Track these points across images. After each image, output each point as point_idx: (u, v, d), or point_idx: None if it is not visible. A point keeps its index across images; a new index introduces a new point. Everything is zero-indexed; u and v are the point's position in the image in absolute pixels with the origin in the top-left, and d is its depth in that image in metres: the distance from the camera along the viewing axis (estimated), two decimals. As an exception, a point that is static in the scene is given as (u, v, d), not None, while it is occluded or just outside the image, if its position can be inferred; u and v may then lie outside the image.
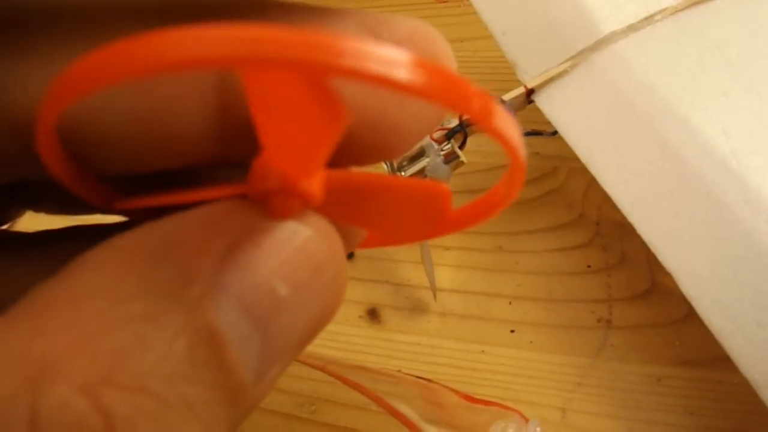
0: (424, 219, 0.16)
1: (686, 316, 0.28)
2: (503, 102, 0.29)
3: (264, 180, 0.12)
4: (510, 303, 0.30)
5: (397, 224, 0.16)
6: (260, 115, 0.11)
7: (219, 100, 0.13)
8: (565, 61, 0.30)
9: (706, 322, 0.24)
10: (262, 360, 0.12)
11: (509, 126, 0.11)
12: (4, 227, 0.17)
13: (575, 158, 0.28)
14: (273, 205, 0.12)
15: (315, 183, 0.12)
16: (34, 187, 0.17)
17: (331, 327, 0.30)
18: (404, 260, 0.31)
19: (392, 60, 0.09)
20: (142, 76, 0.09)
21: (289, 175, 0.12)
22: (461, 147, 0.29)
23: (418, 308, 0.30)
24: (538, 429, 0.25)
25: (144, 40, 0.09)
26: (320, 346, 0.30)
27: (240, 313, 0.11)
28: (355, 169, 0.14)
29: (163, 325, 0.10)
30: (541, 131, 0.31)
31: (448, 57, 0.13)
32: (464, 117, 0.29)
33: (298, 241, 0.12)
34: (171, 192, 0.13)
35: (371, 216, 0.15)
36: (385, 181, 0.14)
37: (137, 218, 0.15)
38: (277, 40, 0.08)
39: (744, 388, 0.26)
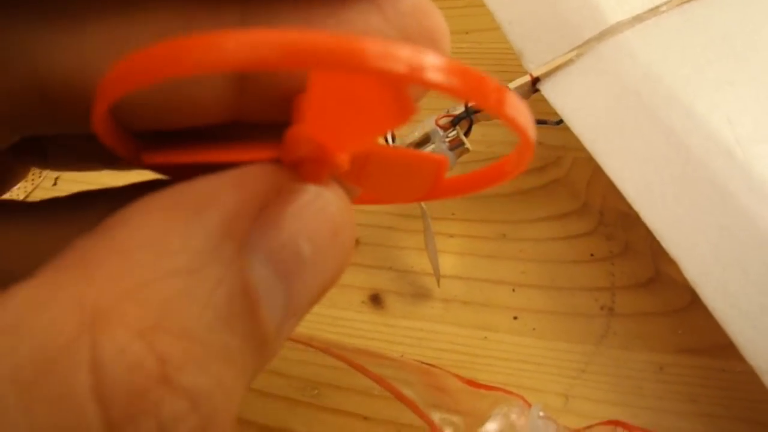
0: (419, 184, 0.17)
1: (689, 305, 0.28)
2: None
3: (299, 148, 0.13)
4: (513, 290, 0.30)
5: (394, 188, 0.17)
6: (315, 98, 0.12)
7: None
8: (571, 50, 0.30)
9: (710, 308, 0.24)
10: (283, 314, 0.13)
11: (522, 114, 0.12)
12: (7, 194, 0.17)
13: (579, 148, 0.28)
14: (303, 171, 0.13)
15: (346, 156, 0.13)
16: (45, 142, 0.17)
17: (333, 312, 0.30)
18: (407, 247, 0.31)
19: (432, 65, 0.10)
20: (210, 71, 0.10)
21: (326, 147, 0.13)
22: (466, 134, 0.30)
23: (421, 294, 0.30)
24: (541, 413, 0.25)
25: (211, 38, 0.09)
26: (323, 331, 0.30)
27: (269, 269, 0.12)
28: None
29: (205, 278, 0.11)
30: (546, 120, 0.31)
31: (443, 32, 0.14)
32: (470, 104, 0.29)
33: (320, 204, 0.13)
34: (197, 150, 0.14)
35: (372, 180, 0.16)
36: (387, 151, 0.16)
37: (161, 173, 0.16)
38: (344, 46, 0.09)
39: (746, 376, 0.26)
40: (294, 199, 0.13)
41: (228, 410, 0.12)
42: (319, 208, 0.13)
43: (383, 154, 0.15)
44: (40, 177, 0.39)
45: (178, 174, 0.14)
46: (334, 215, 0.13)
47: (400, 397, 0.25)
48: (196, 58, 0.10)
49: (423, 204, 0.29)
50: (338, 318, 0.30)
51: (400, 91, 0.11)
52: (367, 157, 0.15)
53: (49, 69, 0.13)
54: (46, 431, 0.10)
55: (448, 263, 0.31)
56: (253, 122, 0.15)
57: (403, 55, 0.10)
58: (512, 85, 0.30)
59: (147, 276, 0.11)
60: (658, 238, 0.25)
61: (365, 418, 0.28)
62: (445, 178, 0.17)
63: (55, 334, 0.10)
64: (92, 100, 0.12)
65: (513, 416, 0.25)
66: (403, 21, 0.14)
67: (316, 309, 0.31)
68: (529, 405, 0.25)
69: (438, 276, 0.30)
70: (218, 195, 0.12)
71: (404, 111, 0.12)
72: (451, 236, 0.31)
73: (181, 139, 0.16)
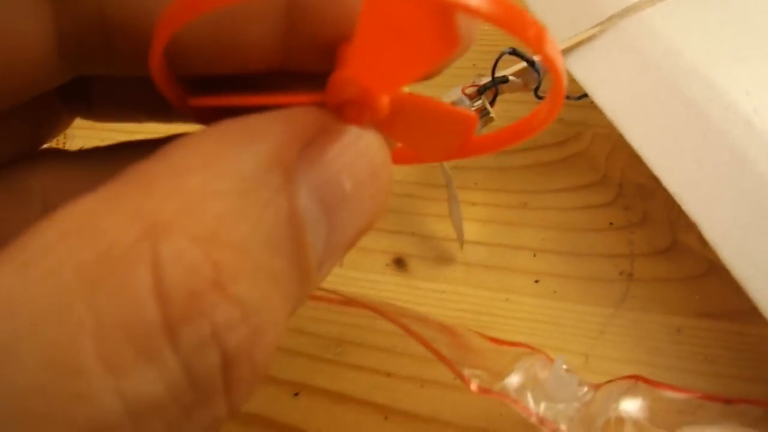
0: (449, 140, 0.18)
1: (706, 272, 0.29)
2: (533, 63, 0.30)
3: (343, 91, 0.14)
4: (534, 255, 0.30)
5: (425, 143, 0.18)
6: (365, 31, 0.13)
7: (286, 16, 0.15)
8: (594, 26, 0.31)
9: (730, 268, 0.25)
10: (325, 248, 0.13)
11: (557, 53, 0.13)
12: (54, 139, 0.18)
13: (599, 124, 0.29)
14: (346, 114, 0.14)
15: (386, 98, 0.14)
16: (93, 89, 0.18)
17: (356, 274, 0.31)
18: (430, 214, 0.32)
19: None
20: None
21: (369, 90, 0.14)
22: (492, 103, 0.30)
23: (443, 258, 0.31)
24: (565, 366, 0.25)
25: None
26: (347, 292, 0.30)
27: (314, 200, 0.13)
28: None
29: (254, 200, 0.12)
30: (568, 95, 0.32)
31: None
32: (496, 75, 0.30)
33: (362, 145, 0.14)
34: (242, 96, 0.15)
35: (405, 130, 0.17)
36: (423, 101, 0.16)
37: (205, 122, 0.17)
38: None
39: (762, 339, 0.27)
40: (337, 138, 0.13)
41: (276, 331, 0.12)
42: (361, 149, 0.14)
43: (417, 102, 0.16)
44: (64, 147, 0.39)
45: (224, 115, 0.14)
46: (373, 157, 0.14)
47: (429, 347, 0.26)
48: None
49: (448, 170, 0.30)
50: (362, 280, 0.31)
51: (446, 20, 0.12)
52: (402, 105, 0.15)
53: (115, 7, 0.14)
54: (109, 324, 0.10)
55: (470, 230, 0.31)
56: (297, 71, 0.16)
57: None
58: (537, 57, 0.30)
59: (201, 194, 0.12)
60: (680, 202, 0.26)
61: (388, 374, 0.28)
62: (474, 137, 0.18)
63: (118, 238, 0.11)
64: (150, 39, 0.13)
65: (536, 369, 0.26)
66: None
67: (339, 270, 0.32)
68: (552, 360, 0.26)
69: (461, 240, 0.31)
70: (268, 128, 0.13)
71: (449, 42, 0.12)
72: (474, 204, 0.32)
73: (226, 88, 0.17)
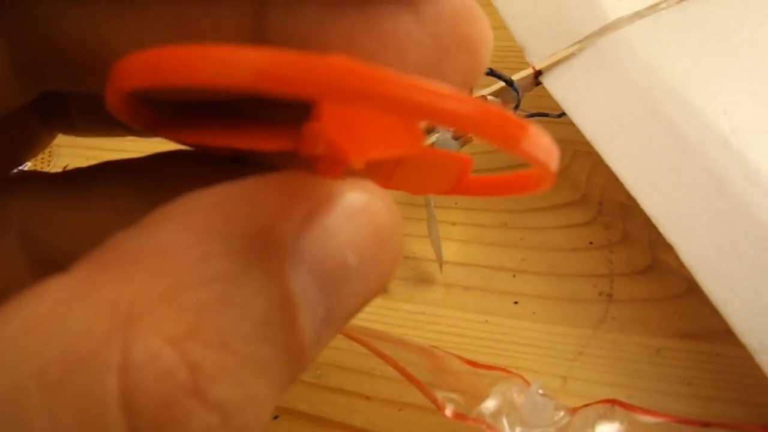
0: (443, 180, 0.17)
1: (685, 292, 0.29)
2: (512, 83, 0.30)
3: (313, 146, 0.13)
4: (514, 276, 0.30)
5: (418, 182, 0.17)
6: (332, 110, 0.12)
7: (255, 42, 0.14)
8: (573, 44, 0.31)
9: (706, 290, 0.25)
10: (323, 325, 0.12)
11: (550, 154, 0.11)
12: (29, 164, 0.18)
13: (580, 141, 0.29)
14: (318, 165, 0.13)
15: (362, 160, 0.13)
16: (69, 104, 0.17)
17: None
18: (410, 234, 0.32)
19: (472, 113, 0.10)
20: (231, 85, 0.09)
21: (342, 148, 0.12)
22: (470, 124, 0.30)
23: (423, 279, 0.31)
24: (540, 391, 0.25)
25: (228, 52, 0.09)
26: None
27: (312, 279, 0.12)
28: None
29: (244, 285, 0.11)
30: (547, 114, 0.32)
31: (482, 41, 0.14)
32: (473, 95, 0.30)
33: (370, 213, 0.12)
34: (213, 130, 0.14)
35: (396, 177, 0.16)
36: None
37: (182, 144, 0.16)
38: (349, 81, 0.09)
39: (740, 360, 0.27)
40: (341, 208, 0.12)
41: (259, 422, 0.11)
42: (368, 219, 0.12)
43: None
44: (49, 165, 0.39)
45: (199, 147, 0.14)
46: (382, 226, 0.13)
47: (403, 373, 0.26)
48: (214, 71, 0.09)
49: (427, 191, 0.30)
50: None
51: (413, 126, 0.11)
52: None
53: (65, 30, 0.14)
54: None
55: (450, 250, 0.31)
56: (271, 99, 0.16)
57: (413, 93, 0.09)
58: (515, 77, 0.30)
59: (185, 279, 0.11)
60: (656, 224, 0.26)
61: (367, 398, 0.28)
62: (469, 177, 0.17)
63: (86, 335, 0.10)
64: (106, 64, 0.12)
65: (512, 394, 0.26)
66: (440, 26, 0.13)
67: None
68: (528, 384, 0.26)
69: (441, 261, 0.31)
70: (263, 199, 0.12)
71: (413, 140, 0.12)
72: (454, 224, 0.32)
73: (198, 111, 0.16)
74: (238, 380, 0.11)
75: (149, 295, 0.10)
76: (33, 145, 0.18)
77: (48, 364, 0.10)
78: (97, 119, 0.18)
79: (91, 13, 0.14)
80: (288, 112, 0.14)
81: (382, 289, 0.13)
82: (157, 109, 0.15)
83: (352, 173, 0.13)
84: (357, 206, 0.12)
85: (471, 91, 0.15)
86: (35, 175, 0.18)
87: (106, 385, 0.10)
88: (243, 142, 0.13)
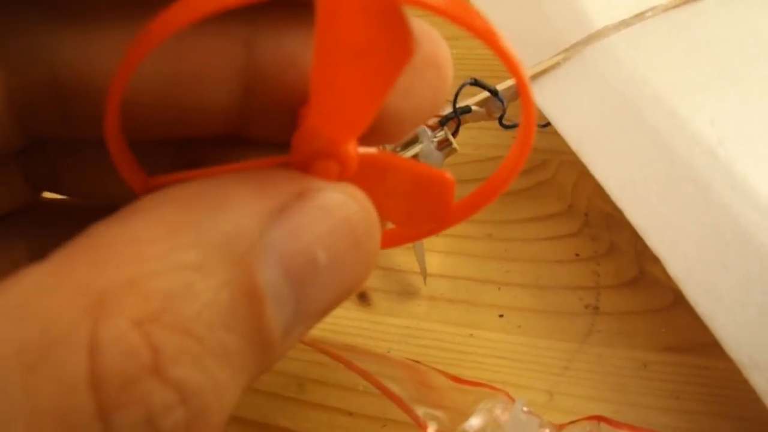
0: (430, 208, 0.17)
1: (672, 304, 0.29)
2: (496, 93, 0.30)
3: (308, 146, 0.13)
4: (499, 289, 0.30)
5: (407, 212, 0.17)
6: (320, 63, 0.12)
7: (243, 81, 0.15)
8: (558, 54, 0.30)
9: (693, 303, 0.24)
10: (292, 319, 0.13)
11: (510, 49, 0.12)
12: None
13: (566, 152, 0.29)
14: (314, 169, 0.13)
15: (352, 147, 0.14)
16: (55, 160, 0.17)
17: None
18: (394, 246, 0.32)
19: None
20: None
21: (334, 138, 0.13)
22: (454, 134, 0.30)
23: (407, 292, 0.30)
24: (525, 408, 0.25)
25: None
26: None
27: (280, 274, 0.12)
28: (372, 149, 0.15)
29: (211, 275, 0.11)
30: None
31: (448, 58, 0.15)
32: (457, 105, 0.30)
33: (343, 213, 0.13)
34: (205, 169, 0.14)
35: (386, 199, 0.16)
36: (397, 161, 0.16)
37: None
38: None
39: (727, 374, 0.27)
40: (315, 204, 0.13)
41: (220, 408, 0.12)
42: (342, 217, 0.13)
43: (389, 161, 0.16)
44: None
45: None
46: (357, 225, 0.13)
47: (385, 392, 0.25)
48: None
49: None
50: (324, 315, 0.30)
51: (398, 23, 0.11)
52: (374, 165, 0.15)
53: (62, 64, 0.14)
54: (45, 412, 0.10)
55: (434, 262, 0.31)
56: (255, 138, 0.16)
57: None
58: (500, 87, 0.30)
59: (154, 267, 0.11)
60: (643, 236, 0.26)
61: (350, 414, 0.28)
62: (453, 204, 0.17)
63: (59, 318, 0.11)
64: (102, 100, 0.13)
65: (497, 411, 0.25)
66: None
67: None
68: (513, 400, 0.25)
69: (425, 274, 0.30)
70: (236, 194, 0.12)
71: (405, 48, 0.12)
72: (438, 235, 0.31)
73: (180, 156, 0.17)
74: (199, 364, 0.11)
75: (119, 281, 0.11)
76: (12, 199, 0.18)
77: (25, 346, 0.10)
78: (80, 178, 0.18)
79: (87, 42, 0.14)
80: (266, 152, 0.15)
81: (355, 289, 0.14)
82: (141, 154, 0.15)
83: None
84: (331, 205, 0.13)
85: (439, 105, 0.16)
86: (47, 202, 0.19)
87: (77, 363, 0.10)
88: (230, 170, 0.14)
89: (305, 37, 0.14)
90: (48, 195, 0.19)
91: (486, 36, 0.12)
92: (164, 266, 0.11)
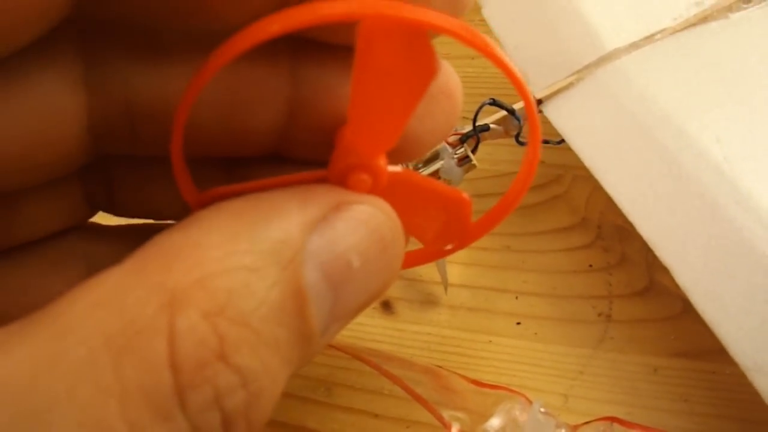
0: (449, 226, 0.19)
1: (682, 312, 0.30)
2: (513, 112, 0.32)
3: (346, 158, 0.15)
4: (516, 298, 0.32)
5: (429, 229, 0.19)
6: (357, 86, 0.14)
7: (287, 107, 0.17)
8: (572, 74, 0.32)
9: (700, 311, 0.26)
10: (329, 317, 0.14)
11: (505, 58, 0.15)
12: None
13: (579, 166, 0.30)
14: (349, 182, 0.15)
15: (383, 161, 0.16)
16: (114, 181, 0.19)
17: (347, 317, 0.32)
18: (417, 257, 0.33)
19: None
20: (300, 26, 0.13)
21: (366, 153, 0.15)
22: (473, 151, 0.32)
23: (429, 301, 0.32)
24: (542, 409, 0.26)
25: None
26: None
27: (320, 277, 0.14)
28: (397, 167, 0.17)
29: (263, 277, 0.13)
30: (548, 140, 0.33)
31: (459, 87, 0.17)
32: (477, 124, 0.31)
33: (373, 223, 0.15)
34: (251, 183, 0.16)
35: (410, 215, 0.17)
36: (418, 180, 0.18)
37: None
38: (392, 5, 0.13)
39: (735, 378, 0.28)
40: (349, 217, 0.15)
41: (272, 392, 0.14)
42: (373, 227, 0.15)
43: (413, 179, 0.18)
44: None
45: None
46: (384, 234, 0.15)
47: (412, 394, 0.27)
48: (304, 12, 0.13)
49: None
50: (351, 323, 0.32)
51: (424, 47, 0.14)
52: (400, 182, 0.17)
53: (134, 90, 0.16)
54: (131, 389, 0.12)
55: (455, 272, 0.32)
56: (293, 157, 0.18)
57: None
58: (517, 106, 0.32)
59: (216, 268, 0.13)
60: (652, 247, 0.27)
61: (376, 416, 0.29)
62: (471, 223, 0.19)
63: (140, 311, 0.12)
64: (168, 123, 0.15)
65: (516, 413, 0.27)
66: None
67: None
68: (531, 402, 0.27)
69: (446, 284, 0.32)
70: (282, 207, 0.14)
71: (431, 68, 0.14)
72: (458, 247, 0.33)
73: (223, 173, 0.19)
74: (256, 352, 0.13)
75: (187, 281, 0.13)
76: (72, 216, 0.20)
77: (113, 334, 0.12)
78: (136, 195, 0.20)
79: (157, 72, 0.16)
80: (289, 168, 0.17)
81: (383, 291, 0.16)
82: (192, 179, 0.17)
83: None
84: (362, 216, 0.15)
85: (451, 128, 0.18)
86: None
87: (158, 348, 0.12)
88: (275, 182, 0.15)
89: (340, 69, 0.16)
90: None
91: (496, 59, 0.14)
92: (225, 268, 0.13)
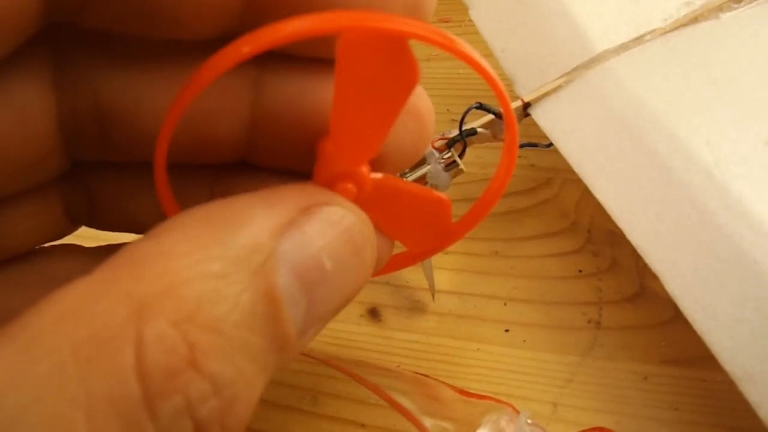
0: (431, 228, 0.20)
1: (672, 318, 0.30)
2: (500, 115, 0.31)
3: (331, 167, 0.16)
4: (505, 304, 0.31)
5: (412, 232, 0.19)
6: (340, 97, 0.14)
7: (250, 115, 0.17)
8: (560, 77, 0.31)
9: (690, 319, 0.25)
10: (305, 320, 0.14)
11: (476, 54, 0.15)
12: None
13: (569, 170, 0.30)
14: (335, 185, 0.16)
15: (366, 169, 0.16)
16: (94, 195, 0.19)
17: (332, 324, 0.31)
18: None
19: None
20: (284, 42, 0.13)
21: (349, 162, 0.16)
22: (461, 156, 0.31)
23: (416, 308, 0.32)
24: (529, 420, 0.26)
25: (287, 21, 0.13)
26: (322, 343, 0.31)
27: (293, 279, 0.14)
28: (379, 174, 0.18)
29: (234, 282, 0.13)
30: (537, 143, 0.33)
31: (429, 110, 0.17)
32: (464, 128, 0.31)
33: (344, 224, 0.15)
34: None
35: (394, 220, 0.18)
36: (400, 185, 0.18)
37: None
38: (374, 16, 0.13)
39: (725, 385, 0.27)
40: (319, 219, 0.15)
41: (248, 399, 0.13)
42: (344, 229, 0.15)
43: (394, 183, 0.18)
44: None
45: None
46: (356, 236, 0.15)
47: (395, 405, 0.26)
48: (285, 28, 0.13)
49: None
50: (337, 330, 0.31)
51: (405, 54, 0.14)
52: (381, 188, 0.17)
53: (105, 95, 0.16)
54: (99, 399, 0.12)
55: (442, 279, 0.32)
56: (262, 165, 0.18)
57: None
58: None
59: (185, 276, 0.13)
60: (641, 254, 0.27)
61: (362, 426, 0.29)
62: (451, 224, 0.19)
63: (108, 320, 0.12)
64: (136, 128, 0.15)
65: (502, 423, 0.26)
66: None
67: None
68: (518, 413, 0.26)
69: (433, 291, 0.31)
70: (251, 212, 0.14)
71: (413, 73, 0.14)
72: (446, 253, 0.33)
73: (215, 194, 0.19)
74: (228, 359, 0.13)
75: (156, 289, 0.13)
76: (52, 230, 0.20)
77: (80, 343, 0.12)
78: (116, 207, 0.20)
79: (130, 78, 0.16)
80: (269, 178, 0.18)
81: (357, 292, 0.16)
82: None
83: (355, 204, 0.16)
84: (333, 218, 0.15)
85: (422, 149, 0.18)
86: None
87: (126, 357, 0.12)
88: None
89: (305, 78, 0.16)
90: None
91: (473, 63, 0.15)
92: (194, 275, 0.13)
